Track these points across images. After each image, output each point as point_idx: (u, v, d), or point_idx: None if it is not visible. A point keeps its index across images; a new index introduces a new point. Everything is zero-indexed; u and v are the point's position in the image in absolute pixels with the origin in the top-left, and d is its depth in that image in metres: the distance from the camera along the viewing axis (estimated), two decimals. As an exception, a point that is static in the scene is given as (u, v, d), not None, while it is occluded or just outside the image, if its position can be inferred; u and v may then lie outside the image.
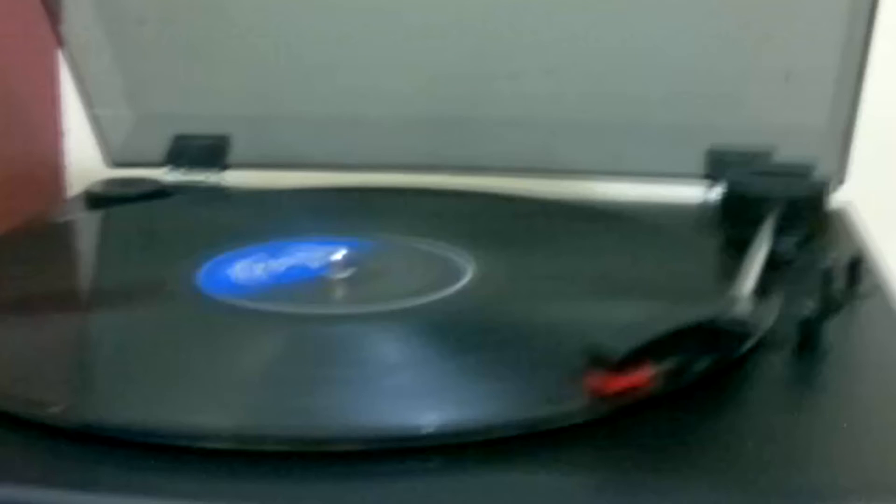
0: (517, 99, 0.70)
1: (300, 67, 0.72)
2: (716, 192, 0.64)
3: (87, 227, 0.65)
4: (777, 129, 0.65)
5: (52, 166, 0.81)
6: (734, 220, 0.57)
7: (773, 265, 0.51)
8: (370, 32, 0.70)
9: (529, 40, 0.69)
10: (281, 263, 0.54)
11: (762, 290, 0.47)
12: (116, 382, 0.43)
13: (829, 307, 0.44)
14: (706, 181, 0.66)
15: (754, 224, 0.54)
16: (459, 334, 0.46)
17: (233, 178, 0.72)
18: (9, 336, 0.47)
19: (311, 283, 0.52)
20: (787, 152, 0.63)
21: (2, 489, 0.36)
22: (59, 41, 0.72)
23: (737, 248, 0.52)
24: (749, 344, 0.43)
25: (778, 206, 0.56)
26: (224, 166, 0.72)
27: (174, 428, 0.38)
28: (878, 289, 0.50)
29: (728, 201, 0.58)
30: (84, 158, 0.80)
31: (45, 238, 0.62)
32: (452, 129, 0.71)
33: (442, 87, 0.71)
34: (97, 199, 0.67)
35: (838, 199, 0.62)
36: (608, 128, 0.69)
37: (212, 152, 0.72)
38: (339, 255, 0.52)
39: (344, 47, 0.71)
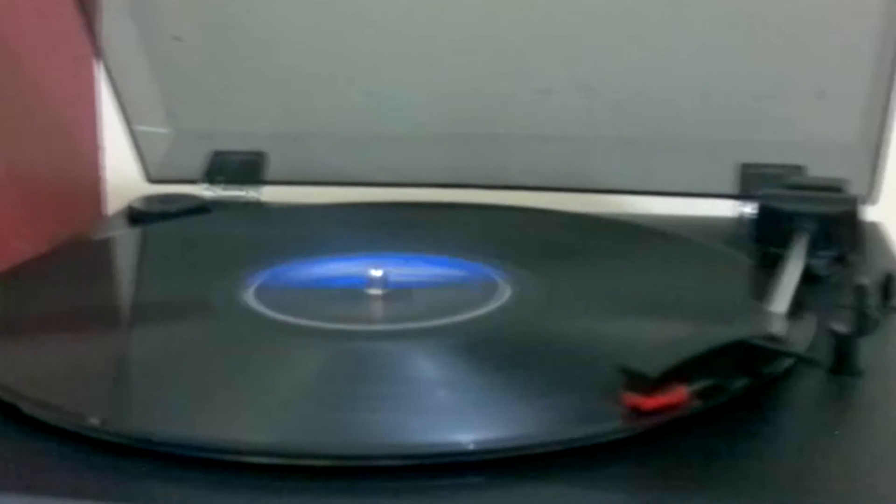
0: (548, 115, 0.71)
1: (334, 85, 0.73)
2: (748, 208, 0.64)
3: (129, 243, 0.66)
4: (809, 146, 0.65)
5: (91, 182, 0.82)
6: (767, 236, 0.57)
7: (808, 282, 0.51)
8: (403, 50, 0.71)
9: (560, 56, 0.69)
10: (321, 279, 0.55)
11: (797, 307, 0.47)
12: (158, 396, 0.44)
13: (865, 324, 0.44)
14: (738, 197, 0.66)
15: (787, 240, 0.55)
16: (498, 351, 0.46)
17: (267, 194, 0.73)
18: (53, 350, 0.48)
19: (351, 298, 0.52)
20: (819, 169, 0.63)
21: (44, 501, 0.36)
22: (98, 58, 0.73)
23: (771, 265, 0.53)
24: (784, 363, 0.43)
25: (811, 222, 0.56)
26: (260, 182, 0.73)
27: (215, 442, 0.38)
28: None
29: (761, 217, 0.59)
30: (121, 174, 0.81)
31: (89, 254, 0.63)
32: (484, 145, 0.72)
33: (473, 104, 0.71)
34: (138, 215, 0.68)
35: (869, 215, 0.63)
36: (639, 144, 0.69)
37: (248, 168, 0.73)
38: (378, 271, 0.53)
39: (377, 65, 0.72)
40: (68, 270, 0.59)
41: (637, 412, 0.39)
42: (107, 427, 0.39)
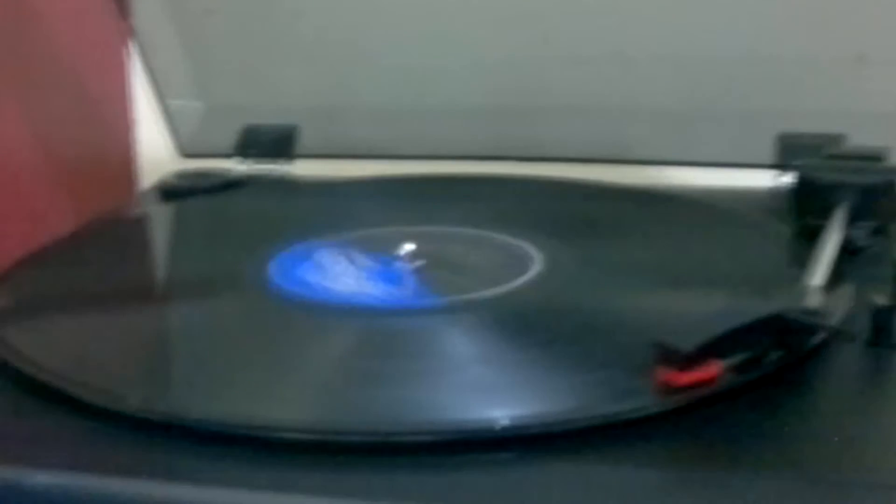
0: (585, 86, 0.70)
1: (367, 57, 0.73)
2: (786, 179, 0.63)
3: (161, 220, 0.66)
4: (848, 115, 0.64)
5: (123, 157, 0.83)
6: (805, 207, 0.56)
7: (846, 254, 0.50)
8: (437, 21, 0.70)
9: (597, 27, 0.69)
10: (353, 255, 0.54)
11: (834, 280, 0.46)
12: (192, 375, 0.44)
13: (903, 297, 0.43)
14: (776, 168, 0.65)
15: (826, 212, 0.54)
16: (530, 327, 0.46)
17: (300, 168, 0.73)
18: (89, 328, 0.49)
19: (383, 274, 0.52)
20: (859, 139, 0.62)
21: (85, 479, 0.37)
22: (129, 33, 0.73)
23: (808, 237, 0.52)
24: (820, 337, 0.42)
25: (851, 193, 0.55)
26: (292, 156, 0.73)
27: (249, 420, 0.38)
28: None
29: (799, 188, 0.58)
30: (153, 149, 0.81)
31: (121, 231, 0.63)
32: (520, 117, 0.71)
33: (509, 76, 0.71)
34: (170, 192, 0.68)
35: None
36: (677, 114, 0.69)
37: (281, 142, 0.73)
38: (410, 246, 0.52)
39: (410, 36, 0.71)
40: (100, 248, 0.59)
41: (670, 388, 0.38)
42: (141, 405, 0.40)
